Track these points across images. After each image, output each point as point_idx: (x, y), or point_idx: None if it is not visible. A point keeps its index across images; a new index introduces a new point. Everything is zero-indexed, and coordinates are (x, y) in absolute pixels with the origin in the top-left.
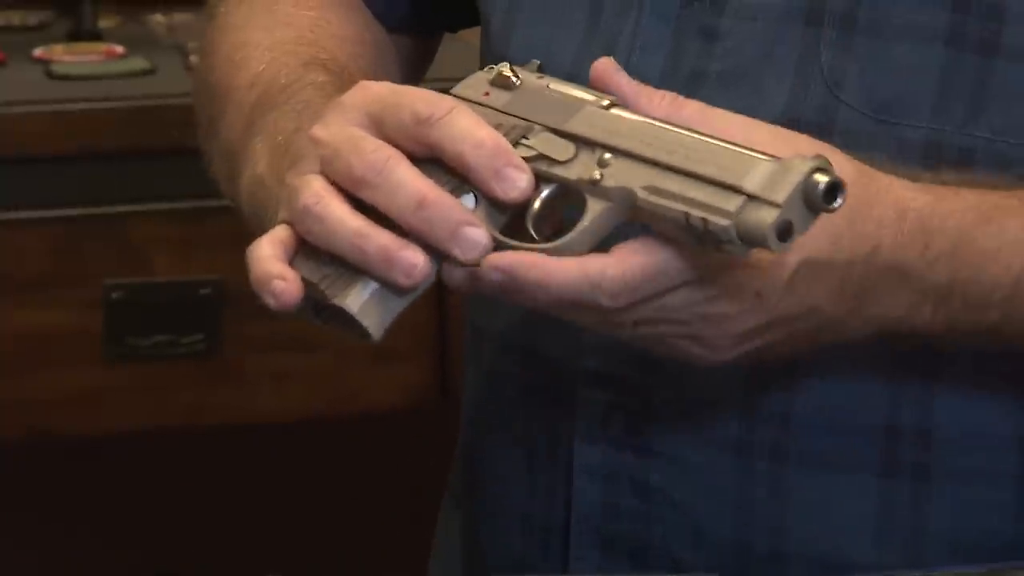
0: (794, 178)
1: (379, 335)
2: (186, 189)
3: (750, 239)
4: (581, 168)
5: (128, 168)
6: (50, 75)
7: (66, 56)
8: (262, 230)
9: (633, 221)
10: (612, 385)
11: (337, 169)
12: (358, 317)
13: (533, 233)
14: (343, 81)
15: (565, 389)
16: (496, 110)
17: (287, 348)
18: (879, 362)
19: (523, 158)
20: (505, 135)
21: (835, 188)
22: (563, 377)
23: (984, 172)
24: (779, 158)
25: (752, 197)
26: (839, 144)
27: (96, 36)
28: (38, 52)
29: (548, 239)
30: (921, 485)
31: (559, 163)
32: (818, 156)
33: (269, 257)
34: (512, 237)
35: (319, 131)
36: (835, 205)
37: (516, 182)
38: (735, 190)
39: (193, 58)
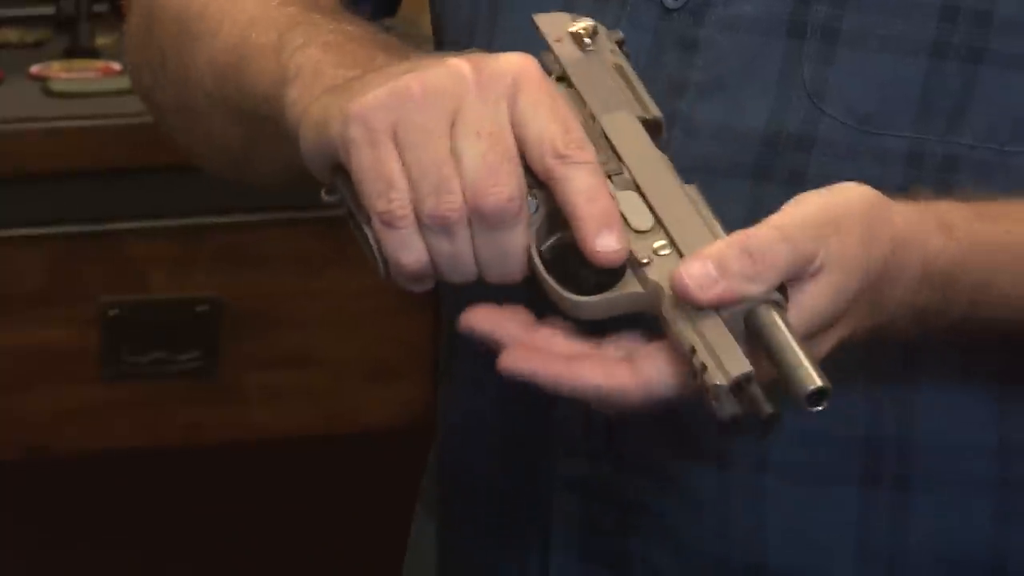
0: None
1: None
2: (183, 206)
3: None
4: (640, 244)
5: (125, 185)
6: (47, 92)
7: (63, 73)
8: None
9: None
10: None
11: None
12: None
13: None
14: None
15: (544, 402)
16: (564, 76)
17: (284, 366)
18: (859, 373)
19: None
20: None
21: (820, 395)
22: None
23: (967, 179)
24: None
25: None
26: (820, 155)
27: (93, 53)
28: (35, 69)
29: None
30: (901, 495)
31: (631, 230)
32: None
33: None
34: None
35: (494, 64)
36: (816, 410)
37: (611, 247)
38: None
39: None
